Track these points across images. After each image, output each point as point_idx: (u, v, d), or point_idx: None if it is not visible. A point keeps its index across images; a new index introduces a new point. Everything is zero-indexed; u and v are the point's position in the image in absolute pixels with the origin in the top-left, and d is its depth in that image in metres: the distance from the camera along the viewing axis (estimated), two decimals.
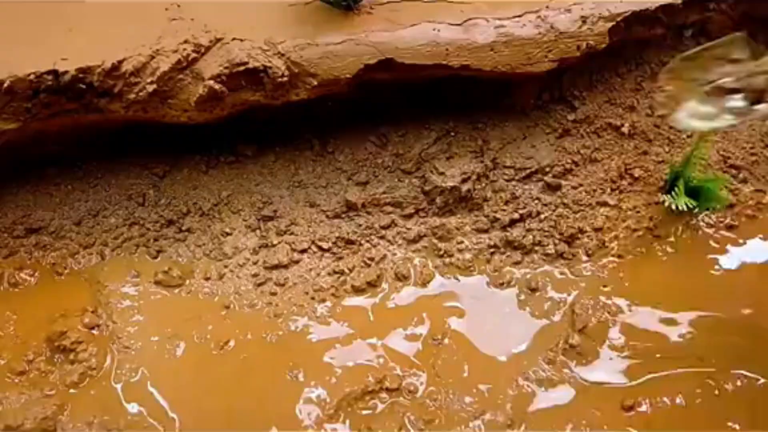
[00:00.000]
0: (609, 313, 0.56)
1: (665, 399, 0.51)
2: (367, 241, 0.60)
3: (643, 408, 0.51)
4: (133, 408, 0.50)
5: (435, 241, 0.60)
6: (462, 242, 0.59)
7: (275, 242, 0.58)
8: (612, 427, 0.50)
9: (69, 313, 0.54)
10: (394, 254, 0.59)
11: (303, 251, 0.59)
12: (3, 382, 0.50)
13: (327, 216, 0.60)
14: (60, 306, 0.54)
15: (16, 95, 0.49)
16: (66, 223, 0.58)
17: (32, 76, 0.49)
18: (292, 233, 0.59)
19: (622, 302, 0.57)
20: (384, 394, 0.51)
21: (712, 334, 0.55)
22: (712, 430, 0.50)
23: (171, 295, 0.56)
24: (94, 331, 0.53)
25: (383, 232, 0.60)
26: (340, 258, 0.58)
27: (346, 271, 0.57)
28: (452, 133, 0.62)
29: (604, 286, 0.58)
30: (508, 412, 0.50)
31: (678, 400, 0.51)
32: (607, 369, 0.53)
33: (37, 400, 0.49)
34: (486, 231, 0.60)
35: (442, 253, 0.59)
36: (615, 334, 0.55)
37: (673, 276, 0.59)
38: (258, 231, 0.59)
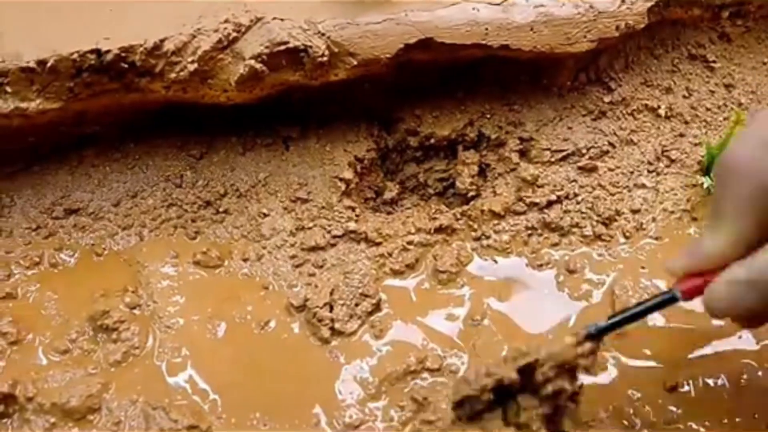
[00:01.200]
0: (648, 294, 0.55)
1: (708, 380, 0.51)
2: (403, 224, 0.59)
3: (686, 388, 0.51)
4: (176, 387, 0.50)
5: (471, 222, 0.60)
6: (499, 224, 0.59)
7: (310, 225, 0.58)
8: (654, 407, 0.50)
9: (109, 293, 0.54)
10: (432, 237, 0.59)
11: (341, 236, 0.58)
12: (47, 360, 0.51)
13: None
14: (100, 286, 0.54)
15: (59, 74, 0.49)
16: (104, 204, 0.58)
17: (75, 56, 0.49)
18: (325, 217, 0.59)
19: (661, 284, 0.56)
20: (426, 374, 0.51)
21: None
22: (755, 410, 0.50)
23: (210, 275, 0.56)
24: (136, 311, 0.53)
25: (419, 214, 0.60)
26: (378, 243, 0.58)
27: (385, 254, 0.57)
28: (487, 115, 0.61)
29: (643, 268, 0.57)
30: None
31: (720, 381, 0.51)
32: (648, 350, 0.53)
33: (81, 378, 0.49)
34: (523, 213, 0.59)
35: (479, 235, 0.59)
36: (655, 315, 0.54)
37: None
38: (294, 213, 0.59)
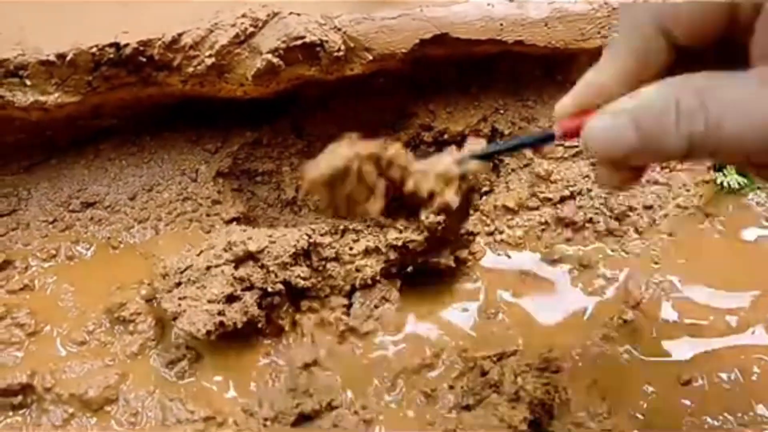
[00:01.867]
0: (662, 289, 0.56)
1: (721, 374, 0.51)
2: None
3: (700, 383, 0.51)
4: (192, 379, 0.50)
5: (485, 218, 0.60)
6: (512, 219, 0.59)
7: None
8: (669, 401, 0.50)
9: (125, 285, 0.54)
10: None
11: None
12: (65, 351, 0.51)
13: None
14: (116, 279, 0.55)
15: (78, 68, 0.50)
16: (121, 197, 0.58)
17: (94, 49, 0.49)
18: None
19: (674, 279, 0.56)
20: (441, 367, 0.51)
21: (764, 311, 0.55)
22: None
23: None
24: (153, 303, 0.53)
25: None
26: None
27: (401, 249, 0.57)
28: (501, 111, 0.62)
29: (656, 263, 0.58)
30: None
31: (733, 376, 0.51)
32: (662, 345, 0.53)
33: (99, 369, 0.50)
34: (536, 208, 0.60)
35: (492, 230, 0.59)
36: (669, 311, 0.55)
37: (725, 254, 0.59)
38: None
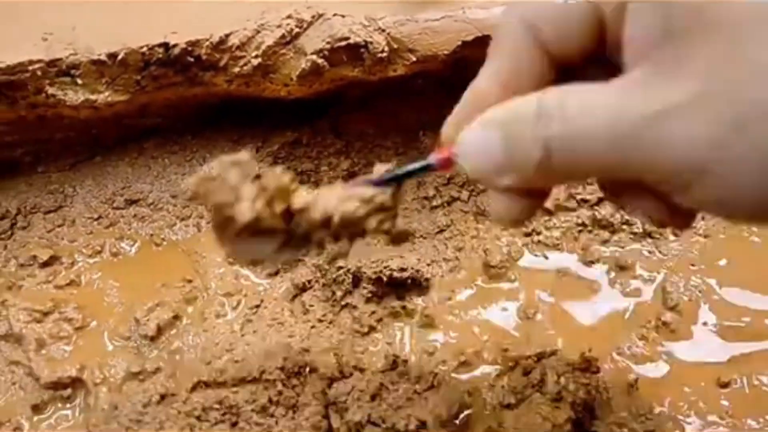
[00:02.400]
0: (700, 291, 0.56)
1: (761, 377, 0.52)
2: (454, 223, 0.60)
3: (738, 385, 0.51)
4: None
5: None
6: (549, 220, 0.60)
7: None
8: (708, 403, 0.50)
9: (170, 283, 0.55)
10: (482, 233, 0.60)
11: None
12: (113, 346, 0.52)
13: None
14: (160, 276, 0.56)
15: (128, 67, 0.51)
16: (163, 195, 0.59)
17: (144, 49, 0.50)
18: None
19: (712, 281, 0.57)
20: (482, 366, 0.52)
21: None
22: None
23: None
24: (198, 301, 0.54)
25: (469, 213, 0.61)
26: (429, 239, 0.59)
27: (440, 249, 0.58)
28: None
29: (693, 265, 0.58)
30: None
31: None
32: (700, 346, 0.53)
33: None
34: (574, 209, 0.60)
35: (530, 231, 0.59)
36: (707, 313, 0.55)
37: (762, 256, 0.59)
38: None
